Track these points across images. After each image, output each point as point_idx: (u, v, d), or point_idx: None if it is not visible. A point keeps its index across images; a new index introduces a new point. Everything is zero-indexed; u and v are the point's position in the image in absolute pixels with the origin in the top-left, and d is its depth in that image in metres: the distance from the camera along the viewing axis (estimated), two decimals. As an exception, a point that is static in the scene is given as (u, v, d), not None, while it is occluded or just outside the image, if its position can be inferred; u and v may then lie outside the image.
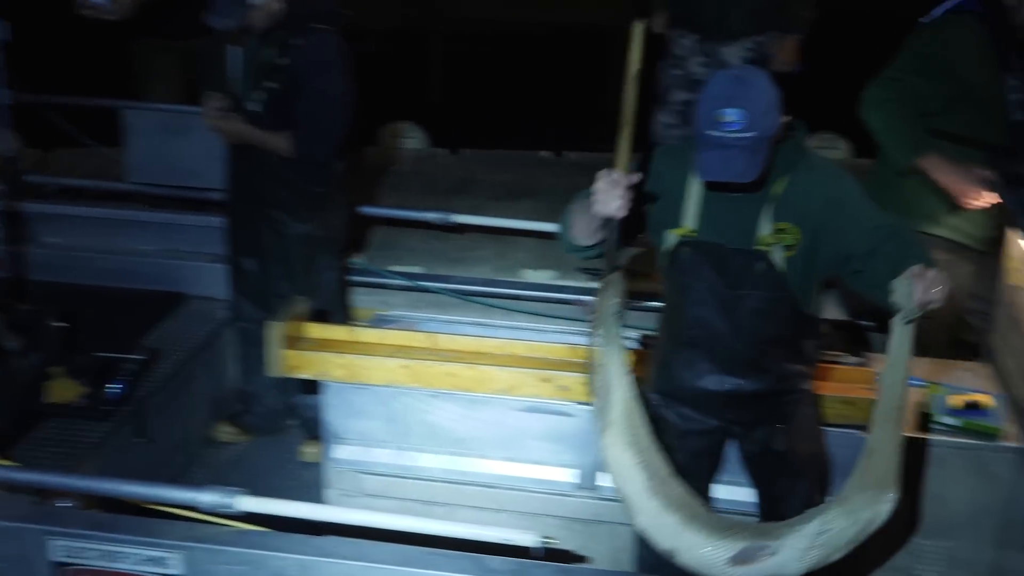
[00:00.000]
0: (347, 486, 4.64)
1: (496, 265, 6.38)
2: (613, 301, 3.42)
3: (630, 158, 3.40)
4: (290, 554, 3.57)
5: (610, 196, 3.31)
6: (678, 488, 3.33)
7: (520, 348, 4.59)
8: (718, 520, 3.32)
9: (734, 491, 4.18)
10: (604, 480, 4.48)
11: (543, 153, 8.43)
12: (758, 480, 3.96)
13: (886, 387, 3.22)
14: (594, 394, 3.44)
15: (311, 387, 4.70)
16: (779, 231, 3.48)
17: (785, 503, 3.84)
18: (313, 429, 4.94)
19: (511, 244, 6.54)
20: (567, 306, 5.76)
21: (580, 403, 4.34)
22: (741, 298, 3.55)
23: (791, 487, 3.86)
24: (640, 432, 3.37)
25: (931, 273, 3.22)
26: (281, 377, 4.57)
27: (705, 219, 3.56)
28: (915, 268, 3.23)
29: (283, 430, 5.46)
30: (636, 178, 3.36)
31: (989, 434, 4.28)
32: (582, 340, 4.69)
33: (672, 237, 3.61)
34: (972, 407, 4.33)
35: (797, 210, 3.48)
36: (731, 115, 3.25)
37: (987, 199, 4.70)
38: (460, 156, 8.42)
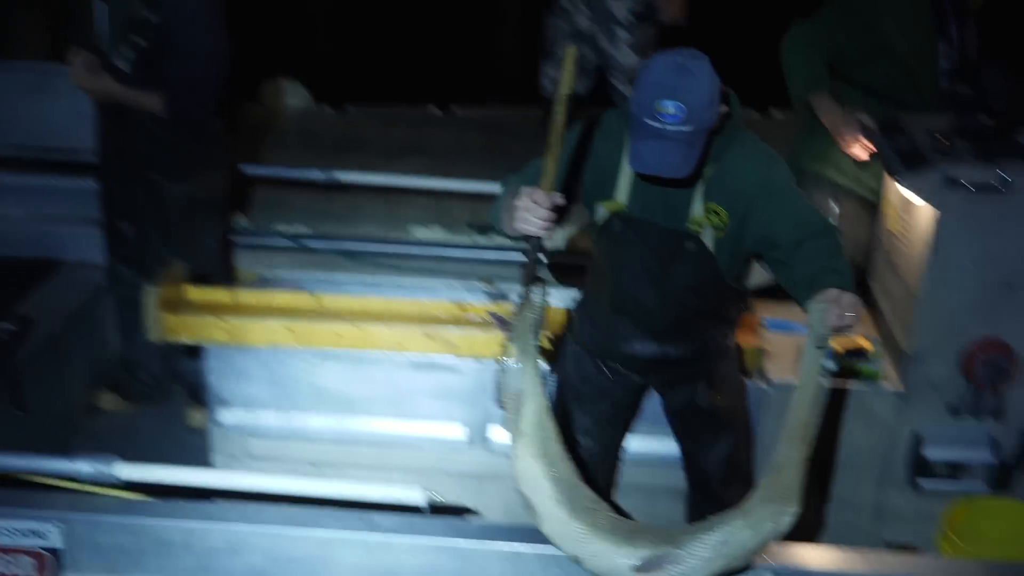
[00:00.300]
0: (234, 450, 4.58)
1: (384, 223, 6.30)
2: (531, 315, 3.30)
3: (554, 182, 3.27)
4: (174, 521, 3.49)
5: (530, 217, 3.22)
6: (585, 497, 3.31)
7: (407, 306, 4.56)
8: (624, 527, 3.32)
9: (655, 442, 4.26)
10: (494, 435, 4.49)
11: (431, 108, 8.33)
12: (682, 433, 4.00)
13: (795, 406, 3.23)
14: (506, 404, 3.40)
15: (194, 352, 4.62)
16: (709, 212, 3.46)
17: (710, 454, 3.91)
18: (197, 394, 4.85)
19: (399, 202, 6.47)
20: (456, 263, 5.75)
21: (467, 359, 4.32)
22: (671, 274, 3.55)
23: (715, 440, 3.92)
24: (550, 443, 3.29)
25: (846, 299, 3.18)
26: (162, 342, 4.47)
27: (636, 195, 3.52)
28: (831, 292, 3.19)
29: (167, 397, 5.34)
30: (559, 200, 3.27)
31: (869, 377, 4.38)
32: (470, 297, 4.70)
33: (603, 210, 3.59)
34: (853, 352, 4.42)
35: (727, 193, 3.44)
36: (671, 107, 3.16)
37: (863, 144, 4.77)
38: (345, 112, 8.30)
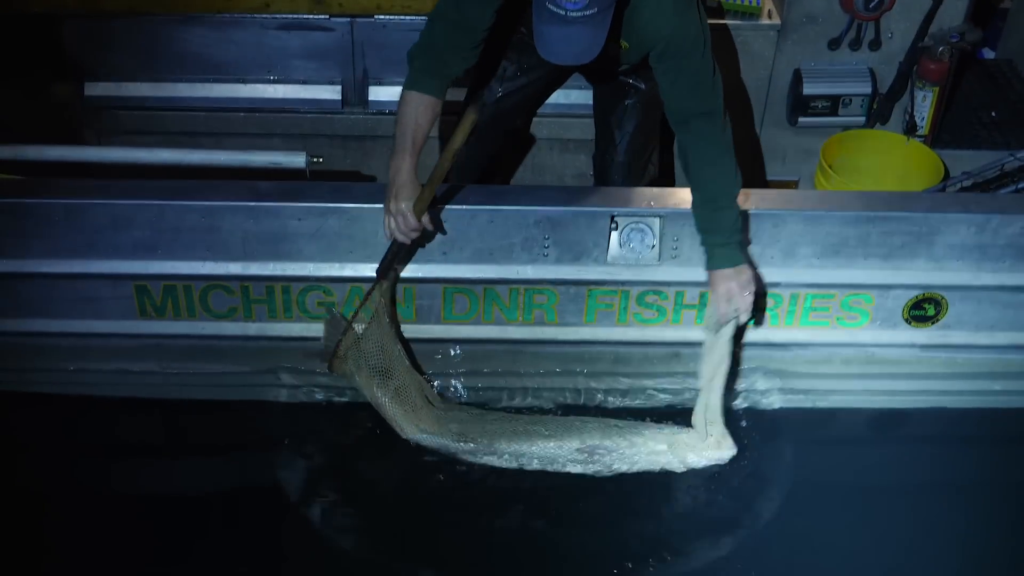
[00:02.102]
0: (105, 124, 4.41)
1: None
2: (377, 301, 3.46)
3: (426, 207, 3.27)
4: (55, 199, 3.40)
5: (399, 229, 3.28)
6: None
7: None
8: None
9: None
10: (375, 95, 4.39)
11: None
12: (600, 99, 3.95)
13: (703, 388, 3.51)
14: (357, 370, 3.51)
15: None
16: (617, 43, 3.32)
17: (619, 131, 3.85)
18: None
19: None
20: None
21: (339, 16, 4.16)
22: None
23: (624, 118, 3.85)
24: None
25: (734, 287, 3.33)
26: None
27: None
28: (720, 286, 3.34)
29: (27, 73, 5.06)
30: (428, 226, 3.30)
31: (749, 13, 4.33)
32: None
33: None
34: (732, -12, 4.35)
35: (636, 37, 3.28)
36: None
37: None
38: None
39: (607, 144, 3.91)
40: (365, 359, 3.48)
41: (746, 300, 3.37)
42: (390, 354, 3.54)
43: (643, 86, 3.73)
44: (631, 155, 3.86)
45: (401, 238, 3.29)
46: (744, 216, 3.37)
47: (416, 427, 3.55)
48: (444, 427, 3.57)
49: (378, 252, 3.39)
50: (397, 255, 3.40)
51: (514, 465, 3.52)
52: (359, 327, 3.45)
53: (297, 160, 3.51)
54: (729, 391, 3.63)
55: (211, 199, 3.41)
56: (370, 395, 3.53)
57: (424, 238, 3.40)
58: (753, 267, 3.41)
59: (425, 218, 3.26)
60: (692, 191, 3.36)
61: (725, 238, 3.33)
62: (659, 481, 3.54)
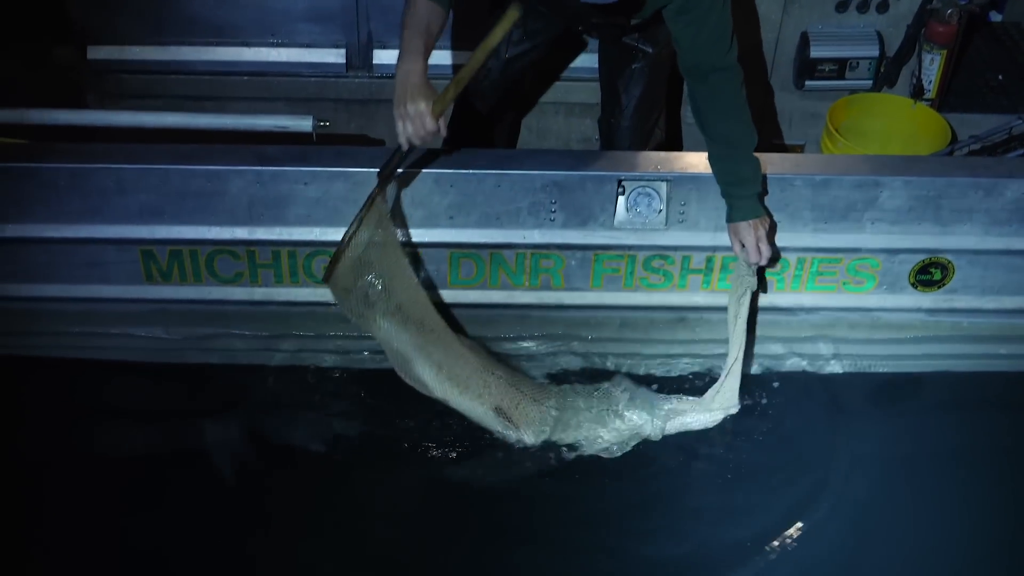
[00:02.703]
0: (108, 89, 4.39)
1: None
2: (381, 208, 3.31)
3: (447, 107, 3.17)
4: (60, 164, 3.39)
5: (415, 133, 3.13)
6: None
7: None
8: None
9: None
10: (379, 58, 4.37)
11: None
12: (607, 64, 3.92)
13: (732, 322, 3.53)
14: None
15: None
16: None
17: (625, 95, 3.83)
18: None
19: None
20: None
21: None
22: None
23: (631, 83, 3.83)
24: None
25: (759, 235, 3.35)
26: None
27: None
28: (742, 231, 3.35)
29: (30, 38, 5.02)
30: (443, 131, 3.17)
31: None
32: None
33: None
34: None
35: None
36: None
37: None
38: None
39: (613, 108, 3.89)
40: (365, 270, 3.34)
41: (772, 249, 3.41)
42: (392, 267, 3.39)
43: (650, 50, 3.71)
44: (638, 119, 3.85)
45: (417, 142, 3.19)
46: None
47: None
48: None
49: (384, 217, 3.38)
50: (404, 160, 3.31)
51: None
52: (361, 234, 3.29)
53: (304, 124, 3.49)
54: (747, 357, 3.66)
55: (217, 163, 3.39)
56: (364, 316, 3.41)
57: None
58: (771, 218, 3.44)
59: (441, 121, 3.17)
60: (709, 145, 3.37)
61: (747, 190, 3.36)
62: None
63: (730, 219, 3.40)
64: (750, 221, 3.37)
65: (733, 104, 3.33)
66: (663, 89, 3.89)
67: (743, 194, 3.36)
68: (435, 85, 3.16)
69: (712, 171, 3.39)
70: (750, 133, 3.36)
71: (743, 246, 3.40)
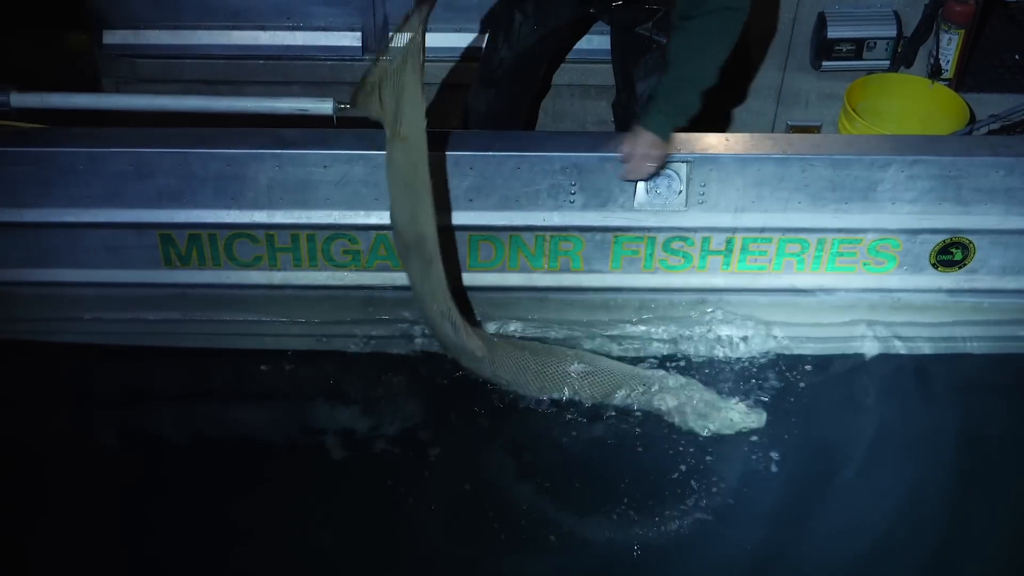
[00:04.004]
0: (123, 73, 4.38)
1: None
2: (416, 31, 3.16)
3: None
4: (79, 148, 3.39)
5: None
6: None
7: None
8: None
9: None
10: (397, 41, 4.34)
11: None
12: (621, 54, 3.91)
13: None
14: (381, 103, 3.22)
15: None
16: None
17: (640, 82, 3.81)
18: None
19: None
20: None
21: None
22: None
23: (645, 72, 3.81)
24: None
25: (643, 150, 3.29)
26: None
27: None
28: (637, 137, 3.28)
29: (45, 23, 5.01)
30: None
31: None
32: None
33: None
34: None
35: None
36: None
37: None
38: None
39: (628, 94, 3.88)
40: (393, 95, 3.18)
41: (645, 168, 3.36)
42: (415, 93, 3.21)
43: (664, 40, 3.69)
44: None
45: None
46: (698, 111, 3.32)
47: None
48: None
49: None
50: None
51: None
52: (393, 58, 3.16)
53: (324, 106, 3.47)
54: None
55: (236, 147, 3.39)
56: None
57: None
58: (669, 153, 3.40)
59: None
60: (666, 70, 3.34)
61: (671, 110, 3.31)
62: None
63: (641, 122, 3.34)
64: (653, 136, 3.31)
65: (708, 42, 3.27)
66: None
67: (664, 111, 3.31)
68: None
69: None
70: (710, 74, 3.28)
71: (629, 153, 3.34)
